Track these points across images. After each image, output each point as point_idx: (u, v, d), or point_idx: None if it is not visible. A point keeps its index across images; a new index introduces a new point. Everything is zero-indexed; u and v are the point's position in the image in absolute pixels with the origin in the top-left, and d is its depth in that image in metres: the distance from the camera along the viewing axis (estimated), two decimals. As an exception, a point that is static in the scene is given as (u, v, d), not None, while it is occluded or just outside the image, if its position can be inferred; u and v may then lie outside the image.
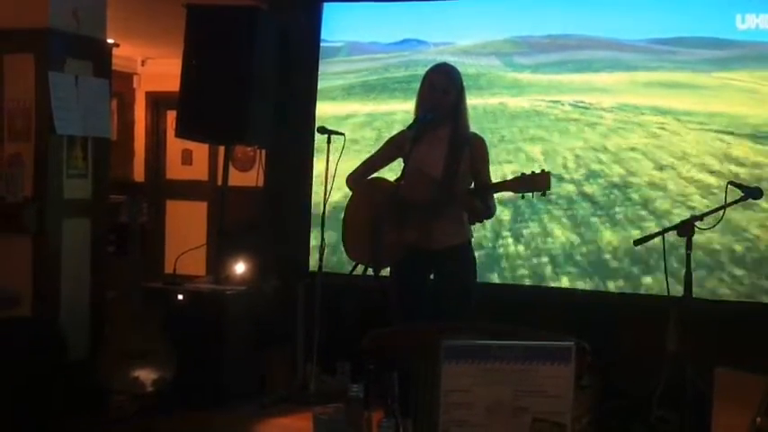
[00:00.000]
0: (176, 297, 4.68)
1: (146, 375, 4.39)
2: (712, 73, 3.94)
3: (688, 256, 3.34)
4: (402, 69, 4.77)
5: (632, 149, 4.00)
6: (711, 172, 3.92)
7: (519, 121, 4.23)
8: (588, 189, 4.05)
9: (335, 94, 5.03)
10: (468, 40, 4.49)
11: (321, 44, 5.18)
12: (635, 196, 4.02)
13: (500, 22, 4.36)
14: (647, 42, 4.01)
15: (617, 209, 4.08)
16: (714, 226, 3.44)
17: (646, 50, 4.05)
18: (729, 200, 3.40)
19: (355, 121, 4.77)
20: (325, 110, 5.00)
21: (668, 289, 3.54)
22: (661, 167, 3.93)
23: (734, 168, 3.91)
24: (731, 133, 3.87)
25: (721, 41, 3.94)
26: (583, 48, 4.06)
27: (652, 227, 3.88)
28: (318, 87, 5.14)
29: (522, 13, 4.31)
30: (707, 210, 3.47)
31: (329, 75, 5.10)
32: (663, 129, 3.82)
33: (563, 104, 4.15)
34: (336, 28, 5.16)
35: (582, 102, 4.11)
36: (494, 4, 4.55)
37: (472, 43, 4.45)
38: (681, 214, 3.84)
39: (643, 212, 3.98)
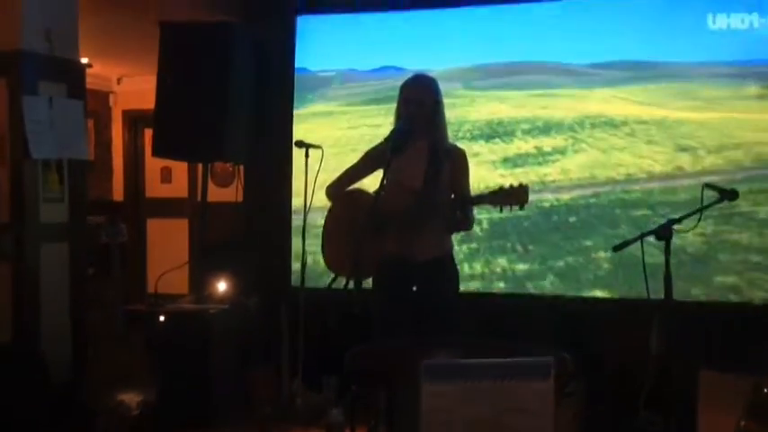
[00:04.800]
0: (158, 317, 4.64)
1: (130, 398, 4.36)
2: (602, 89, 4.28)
3: (667, 259, 3.34)
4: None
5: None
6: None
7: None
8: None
9: (355, 101, 5.08)
10: (442, 67, 4.66)
11: (313, 75, 5.26)
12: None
13: (469, 51, 4.70)
14: (587, 66, 4.32)
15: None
16: (692, 229, 3.44)
17: (578, 73, 4.35)
18: (706, 202, 3.41)
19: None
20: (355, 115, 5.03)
21: (648, 292, 3.54)
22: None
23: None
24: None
25: (639, 63, 4.25)
26: (527, 72, 4.37)
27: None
28: (322, 109, 5.23)
29: (488, 44, 4.63)
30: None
31: (339, 96, 5.19)
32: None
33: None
34: (315, 57, 5.26)
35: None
36: (464, 34, 4.80)
37: (444, 69, 4.63)
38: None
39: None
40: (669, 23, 4.52)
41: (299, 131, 5.12)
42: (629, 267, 3.77)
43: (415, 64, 4.62)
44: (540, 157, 3.96)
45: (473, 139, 4.30)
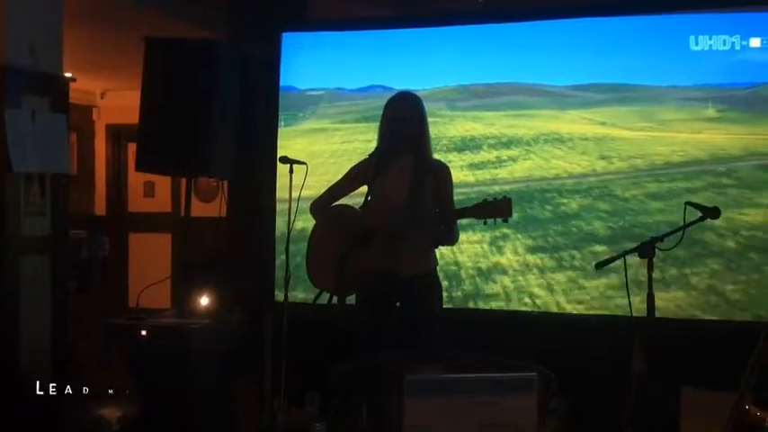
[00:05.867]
0: (140, 332, 4.60)
1: (111, 413, 4.33)
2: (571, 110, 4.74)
3: (650, 277, 3.36)
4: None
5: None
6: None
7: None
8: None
9: (347, 119, 5.27)
10: (428, 86, 4.91)
11: (302, 93, 5.34)
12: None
13: (455, 72, 4.97)
14: (566, 88, 4.75)
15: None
16: (674, 247, 3.47)
17: (556, 94, 4.77)
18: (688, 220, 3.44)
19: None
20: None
21: (631, 309, 3.56)
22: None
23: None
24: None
25: (616, 86, 4.68)
26: (507, 93, 4.85)
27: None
28: (315, 126, 5.31)
29: (474, 65, 4.92)
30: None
31: (330, 114, 5.32)
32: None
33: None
34: (302, 75, 5.33)
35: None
36: (450, 55, 5.00)
37: (431, 89, 4.92)
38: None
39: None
40: (648, 47, 4.66)
41: (296, 146, 5.20)
42: (530, 221, 4.55)
43: (401, 83, 4.72)
44: (498, 163, 4.67)
45: (448, 151, 4.78)
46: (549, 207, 4.36)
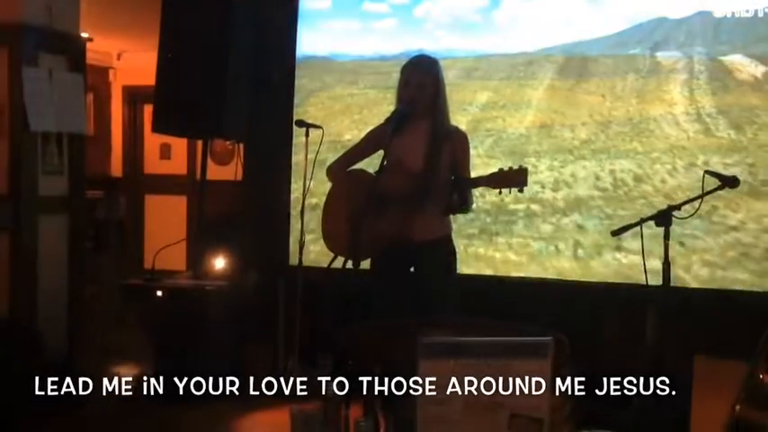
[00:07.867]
0: (155, 293, 4.64)
1: (124, 372, 4.37)
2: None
3: (666, 245, 3.34)
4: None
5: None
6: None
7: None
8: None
9: (378, 86, 5.37)
10: (449, 56, 5.02)
11: (327, 60, 5.38)
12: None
13: (476, 41, 5.19)
14: (573, 57, 5.06)
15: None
16: (692, 215, 3.44)
17: (566, 65, 5.07)
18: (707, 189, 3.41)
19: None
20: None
21: (647, 278, 3.55)
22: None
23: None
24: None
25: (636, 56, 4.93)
26: (522, 64, 5.15)
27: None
28: (347, 92, 5.37)
29: (495, 34, 5.15)
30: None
31: (360, 81, 5.43)
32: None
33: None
34: (322, 41, 5.38)
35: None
36: (470, 28, 5.16)
37: (452, 58, 5.07)
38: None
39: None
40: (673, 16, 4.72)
41: (336, 106, 5.30)
42: (492, 143, 5.14)
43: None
44: (487, 120, 5.19)
45: (452, 113, 4.95)
46: (509, 141, 5.08)
